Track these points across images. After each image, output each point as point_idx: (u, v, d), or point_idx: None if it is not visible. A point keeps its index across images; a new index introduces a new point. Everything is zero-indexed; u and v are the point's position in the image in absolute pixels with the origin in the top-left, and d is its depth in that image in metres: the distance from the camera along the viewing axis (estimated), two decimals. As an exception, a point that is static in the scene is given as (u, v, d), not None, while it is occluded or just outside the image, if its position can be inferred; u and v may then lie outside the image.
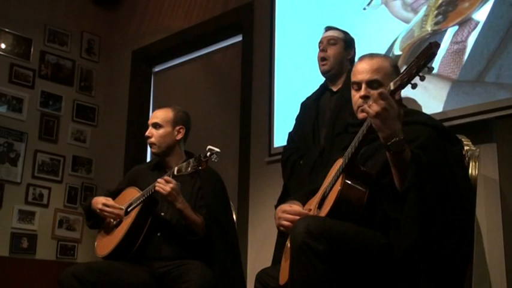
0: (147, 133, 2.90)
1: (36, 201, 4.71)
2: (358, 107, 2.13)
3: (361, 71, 2.13)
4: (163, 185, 2.59)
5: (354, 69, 2.19)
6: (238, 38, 4.34)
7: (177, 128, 2.89)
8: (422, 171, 1.77)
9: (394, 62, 2.20)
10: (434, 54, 1.70)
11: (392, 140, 1.76)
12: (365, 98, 2.09)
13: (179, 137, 2.89)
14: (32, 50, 4.87)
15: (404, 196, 1.78)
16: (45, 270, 4.58)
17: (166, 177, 2.60)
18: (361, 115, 2.11)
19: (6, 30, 4.76)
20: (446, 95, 2.91)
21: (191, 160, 2.50)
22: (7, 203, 4.55)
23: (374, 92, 1.78)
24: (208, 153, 2.43)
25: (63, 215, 4.84)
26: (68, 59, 5.09)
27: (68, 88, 5.04)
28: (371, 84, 2.10)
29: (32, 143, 4.76)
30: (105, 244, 2.81)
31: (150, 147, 2.91)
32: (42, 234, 4.71)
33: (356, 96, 2.14)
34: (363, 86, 2.11)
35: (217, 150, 2.44)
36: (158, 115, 2.91)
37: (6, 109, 4.65)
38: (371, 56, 2.17)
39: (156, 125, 2.88)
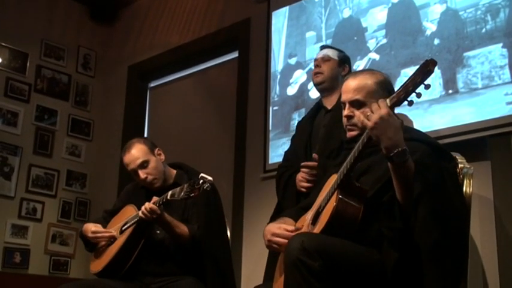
0: (141, 177, 2.82)
1: (30, 216, 4.68)
2: (346, 126, 2.16)
3: (345, 90, 2.15)
4: (149, 215, 2.59)
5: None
6: (235, 54, 4.36)
7: (155, 152, 2.89)
8: (429, 180, 1.77)
9: (380, 78, 2.13)
10: (430, 72, 1.70)
11: (395, 151, 1.76)
12: (348, 118, 2.12)
13: (162, 157, 2.91)
14: (28, 64, 4.87)
15: (415, 205, 1.77)
16: (38, 286, 4.54)
17: (151, 206, 2.59)
18: (348, 134, 2.14)
19: (3, 44, 4.76)
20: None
21: (185, 186, 2.52)
22: (0, 217, 4.52)
23: (373, 104, 1.78)
24: (201, 181, 2.45)
25: (56, 229, 4.81)
26: (64, 74, 5.09)
27: (63, 102, 5.04)
28: (353, 104, 2.11)
29: (27, 157, 4.74)
30: (99, 261, 2.81)
31: (153, 184, 2.84)
32: (35, 249, 4.67)
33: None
34: (347, 105, 2.13)
35: (210, 178, 2.47)
36: (138, 155, 2.83)
37: (1, 123, 4.64)
38: (355, 74, 2.18)
39: (144, 164, 2.82)
